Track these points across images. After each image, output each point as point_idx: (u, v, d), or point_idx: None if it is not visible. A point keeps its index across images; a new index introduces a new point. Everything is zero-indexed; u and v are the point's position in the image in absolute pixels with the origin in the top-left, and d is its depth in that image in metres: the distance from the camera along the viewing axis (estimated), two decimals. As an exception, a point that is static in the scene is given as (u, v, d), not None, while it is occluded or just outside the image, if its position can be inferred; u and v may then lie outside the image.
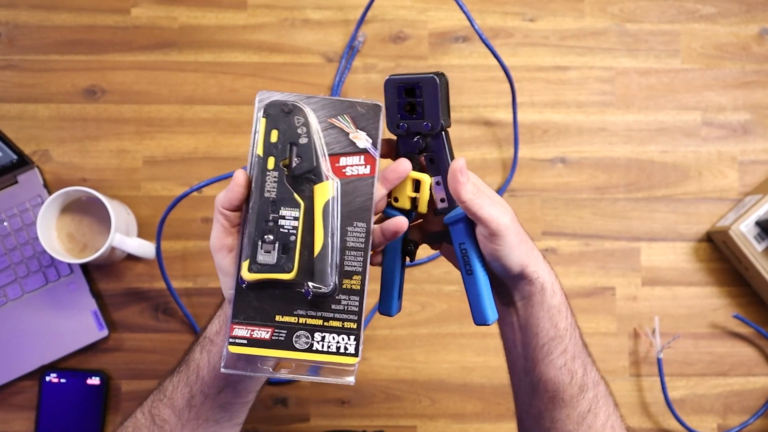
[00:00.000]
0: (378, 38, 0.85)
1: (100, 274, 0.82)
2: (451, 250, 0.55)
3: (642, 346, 0.83)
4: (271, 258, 0.47)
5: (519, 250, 0.51)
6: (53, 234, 0.77)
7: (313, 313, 0.48)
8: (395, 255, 0.55)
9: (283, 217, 0.48)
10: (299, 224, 0.48)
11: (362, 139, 0.49)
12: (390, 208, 0.53)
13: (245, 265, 0.47)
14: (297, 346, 0.48)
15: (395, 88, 0.52)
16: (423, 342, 0.82)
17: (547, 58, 0.85)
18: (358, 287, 0.48)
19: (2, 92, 0.83)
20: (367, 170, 0.49)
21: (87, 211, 0.79)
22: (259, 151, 0.48)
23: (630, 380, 0.82)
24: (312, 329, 0.48)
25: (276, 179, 0.48)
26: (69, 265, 0.80)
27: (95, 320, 0.80)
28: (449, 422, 0.81)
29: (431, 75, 0.51)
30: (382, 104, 0.50)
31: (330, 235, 0.48)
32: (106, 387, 0.80)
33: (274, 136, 0.48)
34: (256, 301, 0.48)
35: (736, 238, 0.79)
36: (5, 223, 0.80)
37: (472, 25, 0.79)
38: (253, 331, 0.48)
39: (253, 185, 0.48)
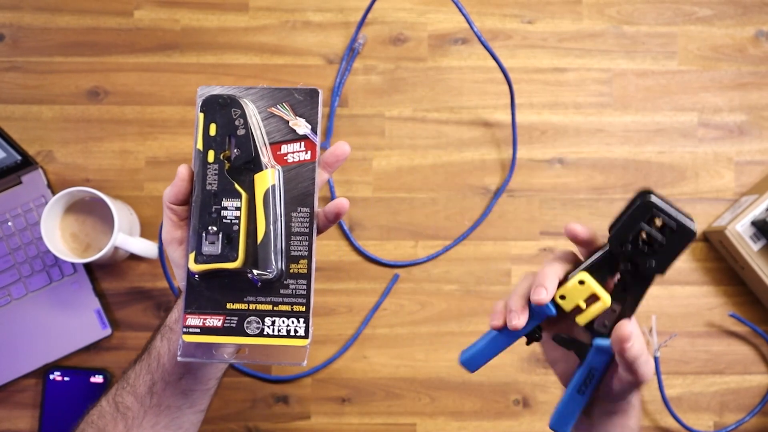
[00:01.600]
0: (378, 40, 0.86)
1: (103, 273, 0.82)
2: (555, 346, 0.53)
3: (639, 344, 0.84)
4: (216, 248, 0.48)
5: (639, 392, 0.53)
6: (57, 234, 0.78)
7: (263, 299, 0.49)
8: (515, 334, 0.52)
9: (226, 208, 0.49)
10: (241, 214, 0.49)
11: (302, 126, 0.50)
12: (552, 303, 0.50)
13: (192, 256, 0.49)
14: (248, 331, 0.49)
15: (649, 209, 0.48)
16: (423, 341, 0.83)
17: (545, 60, 0.86)
18: (305, 271, 0.49)
19: (6, 94, 0.83)
20: (308, 156, 0.50)
21: (90, 211, 0.79)
22: (199, 145, 0.49)
23: (627, 378, 0.83)
24: (262, 314, 0.49)
25: (216, 172, 0.49)
26: (72, 264, 0.81)
27: (98, 319, 0.81)
28: (449, 420, 0.82)
29: (691, 226, 0.48)
30: (320, 89, 0.51)
31: (272, 221, 0.49)
32: (109, 385, 0.80)
33: (213, 129, 0.49)
34: (207, 291, 0.49)
35: (732, 238, 0.80)
36: (9, 223, 0.81)
37: (471, 28, 0.80)
38: (205, 319, 0.49)
39: (195, 178, 0.49)
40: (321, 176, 0.51)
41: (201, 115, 0.49)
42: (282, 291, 0.49)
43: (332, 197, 0.83)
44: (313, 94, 0.50)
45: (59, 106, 0.84)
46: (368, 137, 0.85)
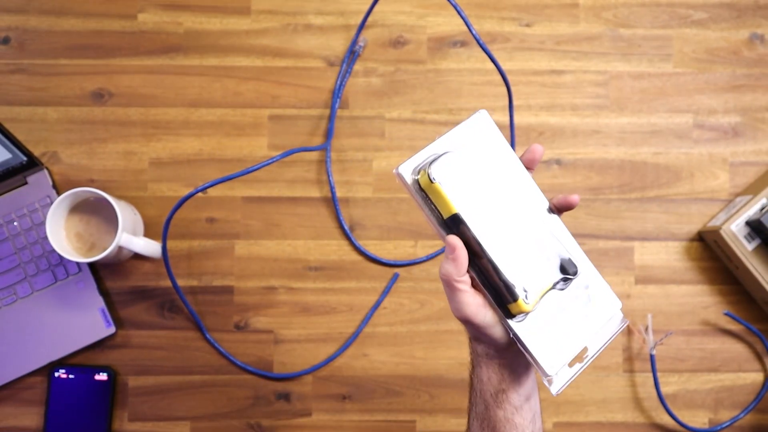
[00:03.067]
0: (378, 43, 0.87)
1: (108, 272, 0.83)
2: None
3: (635, 342, 0.85)
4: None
5: None
6: (62, 233, 0.79)
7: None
8: None
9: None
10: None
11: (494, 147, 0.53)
12: None
13: (519, 302, 0.49)
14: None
15: None
16: (422, 339, 0.84)
17: (542, 63, 0.87)
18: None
19: (12, 95, 0.85)
20: None
21: (95, 211, 0.80)
22: (452, 210, 0.49)
23: (623, 376, 0.84)
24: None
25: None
26: (77, 263, 0.82)
27: (103, 317, 0.82)
28: (448, 417, 0.83)
29: None
30: (484, 111, 0.53)
31: (546, 229, 0.51)
32: (114, 382, 0.82)
33: (455, 189, 0.50)
34: (534, 326, 0.51)
35: (726, 238, 0.81)
36: (15, 223, 0.82)
37: (470, 31, 0.80)
38: (556, 348, 0.51)
39: (474, 237, 0.49)
40: (530, 174, 0.54)
41: (437, 186, 0.49)
42: (575, 280, 0.52)
43: (333, 198, 0.85)
44: (481, 116, 0.53)
45: (64, 108, 0.85)
46: (368, 138, 0.86)
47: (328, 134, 0.85)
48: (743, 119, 0.87)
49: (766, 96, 0.87)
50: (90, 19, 0.86)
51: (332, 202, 0.85)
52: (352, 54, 0.86)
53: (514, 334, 0.51)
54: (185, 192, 0.84)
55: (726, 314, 0.84)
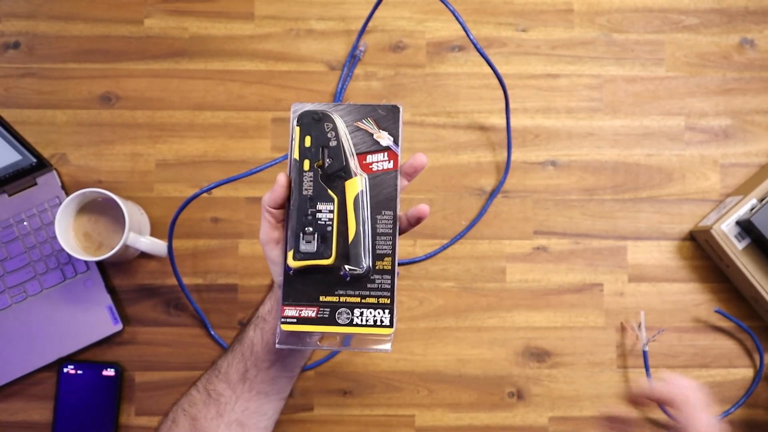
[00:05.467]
0: (378, 47, 0.89)
1: (115, 271, 0.85)
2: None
3: (628, 339, 0.87)
4: (312, 247, 0.54)
5: None
6: (70, 233, 0.81)
7: (352, 292, 0.54)
8: None
9: (320, 211, 0.54)
10: (334, 216, 0.54)
11: (384, 138, 0.56)
12: None
13: (290, 254, 0.54)
14: (339, 321, 0.54)
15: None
16: (421, 335, 0.86)
17: (538, 67, 0.89)
18: (389, 267, 0.54)
19: (22, 99, 0.86)
20: (390, 165, 0.56)
21: (102, 211, 0.82)
22: (296, 155, 0.54)
23: (617, 372, 0.86)
24: (352, 306, 0.54)
25: (312, 179, 0.54)
26: (85, 262, 0.83)
27: (110, 315, 0.83)
28: (446, 411, 0.85)
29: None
30: (401, 106, 0.56)
31: (361, 223, 0.54)
32: (121, 378, 0.83)
33: (308, 141, 0.54)
34: (301, 285, 0.54)
35: (717, 237, 0.83)
36: (25, 223, 0.84)
37: (468, 35, 0.82)
38: (301, 310, 0.54)
39: (292, 185, 0.54)
40: (402, 183, 0.56)
41: (297, 129, 0.55)
42: (369, 285, 0.54)
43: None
44: (394, 110, 0.56)
45: (73, 111, 0.87)
46: (369, 140, 0.88)
47: (330, 136, 0.87)
48: (734, 122, 0.89)
49: (756, 99, 0.89)
50: (98, 25, 0.88)
51: (333, 203, 0.87)
52: (353, 58, 0.88)
53: (283, 277, 0.55)
54: (190, 192, 0.86)
55: (717, 311, 0.86)
